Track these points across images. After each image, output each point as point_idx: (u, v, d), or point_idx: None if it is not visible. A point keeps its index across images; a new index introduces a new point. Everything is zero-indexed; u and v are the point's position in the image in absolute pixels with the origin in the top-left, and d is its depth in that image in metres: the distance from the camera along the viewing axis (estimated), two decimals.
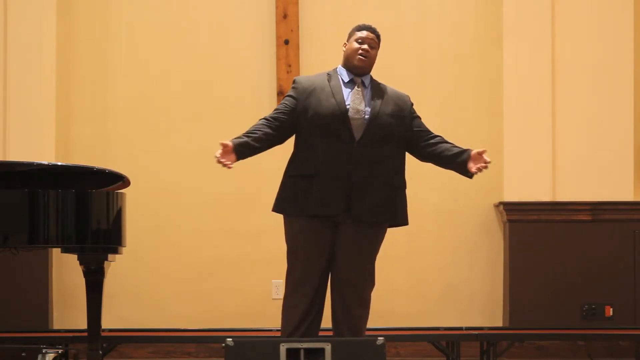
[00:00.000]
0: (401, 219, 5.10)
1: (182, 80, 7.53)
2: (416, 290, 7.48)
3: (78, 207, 5.21)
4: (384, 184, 4.97)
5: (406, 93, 5.20)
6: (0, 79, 7.36)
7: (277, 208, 5.05)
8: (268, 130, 4.97)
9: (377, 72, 7.76)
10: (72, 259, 5.39)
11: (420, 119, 5.16)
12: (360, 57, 5.04)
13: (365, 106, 5.00)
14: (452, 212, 7.50)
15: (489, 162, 4.96)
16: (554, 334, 6.84)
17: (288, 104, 5.04)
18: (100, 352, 5.52)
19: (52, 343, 6.15)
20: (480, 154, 4.97)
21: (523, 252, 7.31)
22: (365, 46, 5.05)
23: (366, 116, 4.98)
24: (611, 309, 7.28)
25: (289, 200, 5.00)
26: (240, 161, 4.96)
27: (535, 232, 7.31)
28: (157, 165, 7.46)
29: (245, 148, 4.90)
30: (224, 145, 4.82)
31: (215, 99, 7.49)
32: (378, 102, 5.01)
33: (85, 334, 5.39)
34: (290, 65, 7.40)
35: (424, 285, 7.49)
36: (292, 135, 5.08)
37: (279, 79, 7.37)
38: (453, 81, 7.54)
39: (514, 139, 7.39)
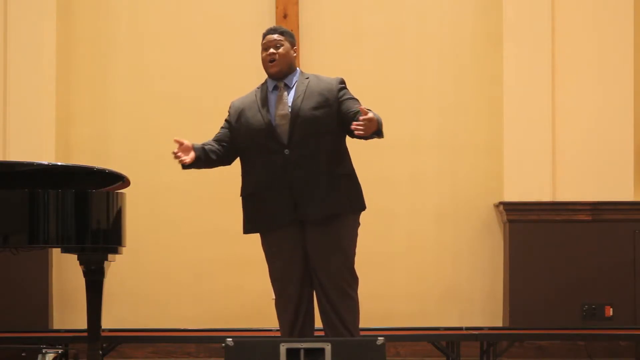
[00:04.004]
0: (357, 204, 5.11)
1: (182, 80, 7.53)
2: (416, 290, 7.47)
3: (78, 207, 5.20)
4: (325, 177, 4.99)
5: (340, 77, 5.15)
6: (0, 79, 7.36)
7: (244, 229, 5.20)
8: (220, 148, 5.13)
9: (377, 72, 7.76)
10: (72, 259, 5.39)
11: (351, 100, 5.08)
12: (270, 63, 5.11)
13: (290, 108, 5.04)
14: (452, 212, 7.50)
15: (364, 123, 4.74)
16: (554, 334, 6.84)
17: (224, 128, 5.19)
18: (100, 352, 5.52)
19: (52, 343, 6.14)
20: (363, 113, 4.79)
21: (523, 252, 7.31)
22: (270, 50, 5.10)
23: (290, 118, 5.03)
24: (611, 309, 7.28)
25: (248, 219, 5.16)
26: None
27: (535, 232, 7.31)
28: (157, 165, 7.45)
29: (202, 153, 5.06)
30: (181, 142, 4.98)
31: (215, 99, 7.47)
32: (299, 99, 5.05)
33: (85, 334, 5.38)
34: None
35: (424, 285, 7.48)
36: (237, 156, 5.19)
37: None
38: (453, 81, 7.53)
39: (514, 139, 7.39)
